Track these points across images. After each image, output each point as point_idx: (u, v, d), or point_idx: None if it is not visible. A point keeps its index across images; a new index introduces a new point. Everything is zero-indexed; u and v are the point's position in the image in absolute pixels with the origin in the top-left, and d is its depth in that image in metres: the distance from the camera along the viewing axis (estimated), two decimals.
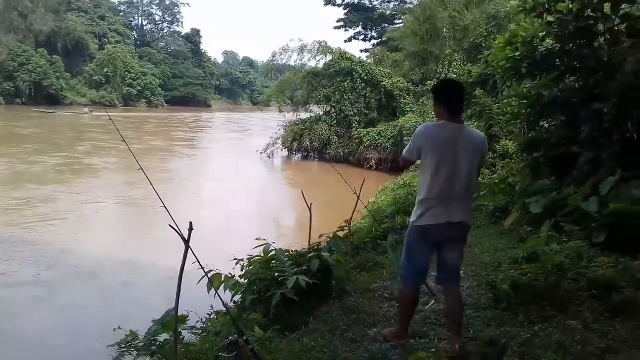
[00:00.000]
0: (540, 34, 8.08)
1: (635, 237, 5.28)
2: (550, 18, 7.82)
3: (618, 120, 6.85)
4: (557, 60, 8.02)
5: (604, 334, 3.69)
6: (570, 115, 7.81)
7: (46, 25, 68.41)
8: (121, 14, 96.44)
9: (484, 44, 21.06)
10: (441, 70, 23.66)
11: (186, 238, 3.34)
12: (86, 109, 56.86)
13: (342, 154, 26.27)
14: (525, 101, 8.38)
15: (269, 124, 34.02)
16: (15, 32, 65.30)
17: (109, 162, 23.92)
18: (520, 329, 3.90)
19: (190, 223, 3.34)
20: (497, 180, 9.44)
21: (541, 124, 8.75)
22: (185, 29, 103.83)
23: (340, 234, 6.64)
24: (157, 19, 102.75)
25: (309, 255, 4.94)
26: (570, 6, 7.44)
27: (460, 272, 3.87)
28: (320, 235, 6.06)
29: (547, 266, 4.59)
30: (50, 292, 8.66)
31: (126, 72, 78.33)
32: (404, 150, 3.70)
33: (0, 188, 16.96)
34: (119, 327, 3.73)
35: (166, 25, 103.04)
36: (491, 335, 3.62)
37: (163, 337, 3.84)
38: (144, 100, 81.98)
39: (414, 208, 3.61)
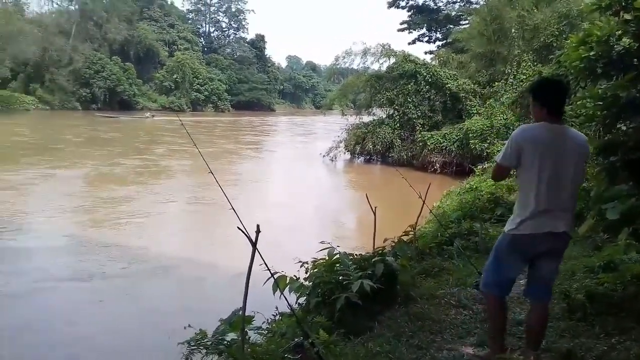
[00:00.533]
0: (616, 32, 7.70)
1: None
2: (627, 16, 7.40)
3: None
4: (636, 60, 7.61)
5: None
6: None
7: (120, 34, 71.53)
8: (189, 21, 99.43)
9: (555, 44, 20.36)
10: (509, 71, 23.04)
11: (254, 240, 3.41)
12: (148, 114, 58.86)
13: (405, 157, 25.85)
14: (601, 103, 7.95)
15: (332, 127, 34.17)
16: (91, 41, 68.60)
17: (184, 165, 24.81)
18: (597, 341, 3.73)
19: (258, 226, 3.40)
20: None
21: (618, 126, 8.33)
22: (250, 35, 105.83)
23: (405, 238, 6.58)
24: (223, 26, 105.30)
25: (373, 260, 4.92)
26: None
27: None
28: (385, 240, 6.01)
29: (625, 276, 4.38)
30: (129, 287, 9.09)
31: (194, 78, 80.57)
32: (497, 158, 3.39)
33: (87, 189, 18.08)
34: (189, 326, 3.83)
35: (232, 31, 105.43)
36: (567, 347, 3.47)
37: (230, 336, 3.90)
38: (211, 105, 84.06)
39: (512, 215, 3.34)
